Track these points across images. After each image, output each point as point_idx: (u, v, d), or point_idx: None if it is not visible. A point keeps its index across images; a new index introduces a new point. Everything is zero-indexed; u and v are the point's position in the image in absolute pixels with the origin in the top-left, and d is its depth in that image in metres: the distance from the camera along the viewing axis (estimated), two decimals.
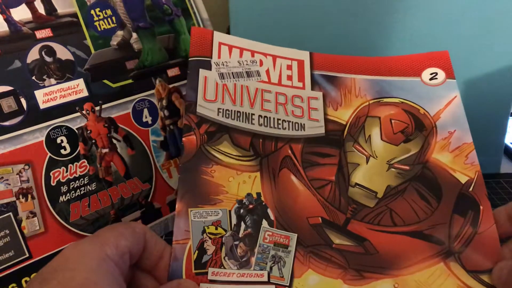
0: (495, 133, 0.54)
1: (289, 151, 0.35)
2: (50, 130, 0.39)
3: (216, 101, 0.36)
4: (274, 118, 0.36)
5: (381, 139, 0.35)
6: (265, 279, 0.29)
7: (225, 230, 0.31)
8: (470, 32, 0.48)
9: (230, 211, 0.31)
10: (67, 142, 0.40)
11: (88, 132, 0.41)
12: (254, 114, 0.35)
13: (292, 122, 0.36)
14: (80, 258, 0.22)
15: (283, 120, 0.36)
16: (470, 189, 0.33)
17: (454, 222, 0.32)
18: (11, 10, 0.38)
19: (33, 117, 0.38)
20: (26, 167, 0.37)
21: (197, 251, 0.29)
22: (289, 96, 0.37)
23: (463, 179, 0.33)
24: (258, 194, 0.32)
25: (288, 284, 0.29)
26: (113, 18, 0.44)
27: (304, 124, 0.36)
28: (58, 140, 0.39)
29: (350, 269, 0.30)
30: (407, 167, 0.34)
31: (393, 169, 0.34)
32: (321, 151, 0.35)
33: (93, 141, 0.41)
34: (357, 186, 0.33)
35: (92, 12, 0.42)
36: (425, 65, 0.39)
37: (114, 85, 0.43)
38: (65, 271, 0.21)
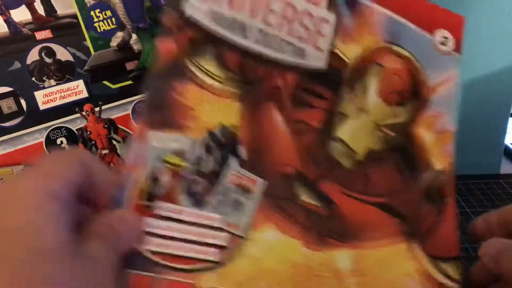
0: (495, 134, 0.54)
1: (281, 82, 0.30)
2: (50, 131, 0.39)
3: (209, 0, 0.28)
4: (275, 36, 0.30)
5: (377, 95, 0.32)
6: (218, 224, 0.26)
7: (188, 162, 0.26)
8: (470, 32, 0.48)
9: (197, 142, 0.26)
10: (67, 143, 0.40)
11: (88, 133, 0.41)
12: (252, 27, 0.29)
13: (295, 45, 0.30)
14: (21, 196, 0.18)
15: (285, 41, 0.30)
16: (442, 178, 0.32)
17: (423, 206, 0.31)
18: (11, 11, 0.38)
19: (33, 118, 0.38)
20: (26, 168, 0.37)
21: (149, 181, 0.25)
22: (299, 9, 0.31)
23: (438, 166, 0.32)
24: (234, 128, 0.28)
25: (242, 235, 0.26)
26: (113, 19, 0.44)
27: (306, 51, 0.30)
28: (58, 141, 0.39)
29: (311, 231, 0.28)
30: (393, 134, 0.32)
31: (379, 132, 0.32)
32: (316, 91, 0.30)
33: (93, 142, 0.41)
34: (340, 141, 0.31)
35: (92, 13, 0.43)
36: (439, 24, 0.34)
37: (114, 86, 0.43)
38: None
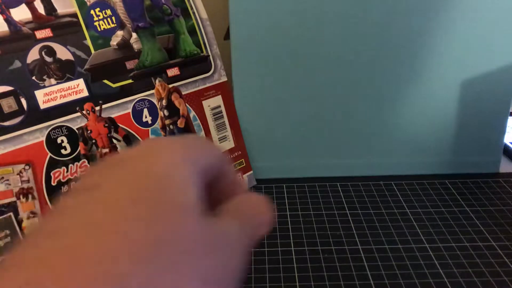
0: (494, 133, 0.54)
1: None
2: (51, 130, 0.39)
3: None
4: None
5: None
6: None
7: None
8: (469, 32, 0.48)
9: None
10: (68, 142, 0.40)
11: (89, 132, 0.41)
12: None
13: None
14: (160, 149, 0.17)
15: None
16: None
17: None
18: (11, 10, 0.38)
19: (33, 117, 0.38)
20: (27, 167, 0.37)
21: None
22: None
23: None
24: None
25: None
26: (113, 18, 0.44)
27: None
28: (59, 140, 0.39)
29: None
30: None
31: None
32: None
33: (94, 141, 0.41)
34: None
35: (92, 12, 0.42)
36: None
37: (114, 85, 0.43)
38: (134, 161, 0.16)
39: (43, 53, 0.39)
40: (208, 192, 0.20)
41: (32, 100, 0.38)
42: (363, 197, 0.51)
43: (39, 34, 0.39)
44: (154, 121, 0.46)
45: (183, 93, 0.48)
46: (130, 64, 0.44)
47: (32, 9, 0.39)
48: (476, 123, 0.52)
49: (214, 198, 0.21)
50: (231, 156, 0.52)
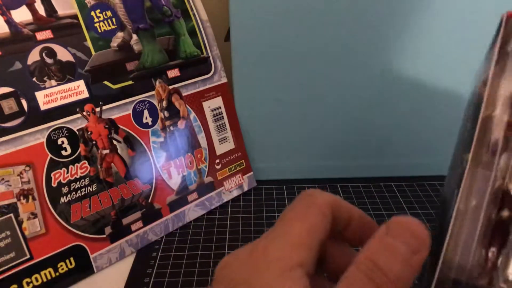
0: None
1: None
2: (51, 131, 0.39)
3: None
4: None
5: None
6: None
7: None
8: (470, 32, 0.48)
9: None
10: (68, 143, 0.40)
11: (89, 133, 0.41)
12: None
13: None
14: (265, 271, 0.19)
15: None
16: None
17: None
18: (11, 11, 0.38)
19: (34, 118, 0.38)
20: (27, 168, 0.37)
21: None
22: None
23: None
24: None
25: None
26: (113, 19, 0.44)
27: None
28: (59, 141, 0.39)
29: None
30: None
31: None
32: None
33: (94, 142, 0.41)
34: None
35: (93, 13, 0.43)
36: None
37: (114, 87, 0.43)
38: (246, 285, 0.19)
39: (43, 54, 0.39)
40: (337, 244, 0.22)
41: (33, 102, 0.38)
42: (363, 198, 0.51)
43: (40, 35, 0.39)
44: (154, 122, 0.46)
45: (183, 94, 0.48)
46: (130, 66, 0.45)
47: (33, 10, 0.39)
48: None
49: (349, 238, 0.23)
50: (231, 157, 0.52)
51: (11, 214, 0.36)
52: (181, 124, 0.48)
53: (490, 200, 0.21)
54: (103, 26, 0.43)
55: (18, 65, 0.38)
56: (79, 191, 0.40)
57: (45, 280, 0.38)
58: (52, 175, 0.39)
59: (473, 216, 0.20)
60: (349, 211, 0.23)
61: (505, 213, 0.20)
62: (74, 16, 0.42)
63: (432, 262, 0.20)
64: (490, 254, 0.20)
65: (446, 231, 0.20)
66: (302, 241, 0.20)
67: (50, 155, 0.39)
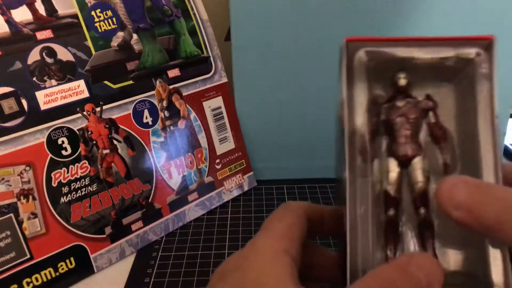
0: None
1: None
2: (51, 131, 0.39)
3: None
4: None
5: None
6: None
7: None
8: (470, 33, 0.48)
9: None
10: (68, 143, 0.40)
11: (89, 133, 0.41)
12: None
13: None
14: (255, 256, 0.22)
15: None
16: None
17: None
18: (12, 11, 0.38)
19: (34, 118, 0.38)
20: (27, 168, 0.37)
21: None
22: None
23: None
24: None
25: None
26: (114, 19, 0.44)
27: None
28: (59, 141, 0.39)
29: None
30: None
31: None
32: None
33: (94, 142, 0.41)
34: None
35: (93, 13, 0.43)
36: None
37: (114, 86, 0.43)
38: (240, 271, 0.22)
39: (43, 54, 0.39)
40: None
41: (33, 101, 0.38)
42: None
43: (40, 35, 0.39)
44: (154, 122, 0.46)
45: (183, 94, 0.48)
46: (130, 65, 0.44)
47: (33, 10, 0.39)
48: None
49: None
50: (232, 157, 0.52)
51: (11, 214, 0.36)
52: (181, 124, 0.48)
53: (374, 204, 0.23)
54: (103, 26, 0.43)
55: (18, 65, 0.38)
56: (79, 191, 0.40)
57: (45, 280, 0.38)
58: (52, 175, 0.39)
59: (363, 221, 0.22)
60: (321, 209, 0.26)
61: (391, 212, 0.23)
62: (75, 16, 0.41)
63: (343, 273, 0.22)
64: (388, 253, 0.22)
65: (346, 242, 0.22)
66: (283, 234, 0.23)
67: (50, 155, 0.39)
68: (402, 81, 0.24)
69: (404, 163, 0.24)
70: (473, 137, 0.23)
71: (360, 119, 0.23)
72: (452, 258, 0.23)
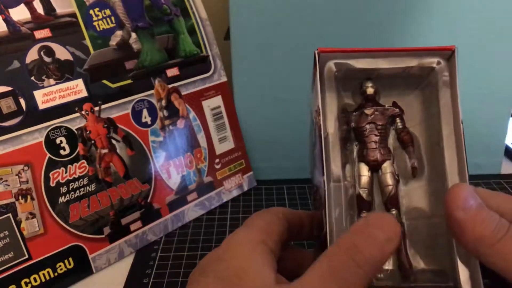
0: (495, 134, 0.53)
1: None
2: (50, 131, 0.38)
3: None
4: None
5: None
6: None
7: None
8: (470, 33, 0.48)
9: None
10: (67, 143, 0.39)
11: (88, 132, 0.41)
12: None
13: None
14: (235, 247, 0.23)
15: None
16: None
17: None
18: (10, 10, 0.38)
19: (32, 117, 0.38)
20: (26, 168, 0.37)
21: None
22: None
23: None
24: None
25: None
26: (112, 18, 0.44)
27: None
28: (58, 141, 0.39)
29: None
30: None
31: None
32: None
33: (93, 141, 0.41)
34: None
35: (91, 12, 0.42)
36: None
37: (113, 85, 0.43)
38: (221, 262, 0.22)
39: (42, 53, 0.39)
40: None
41: (31, 101, 0.38)
42: None
43: (38, 34, 0.39)
44: (153, 121, 0.46)
45: (182, 93, 0.48)
46: (129, 64, 0.44)
47: (31, 9, 0.39)
48: (477, 124, 0.52)
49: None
50: (231, 157, 0.52)
51: (10, 214, 0.36)
52: (180, 123, 0.48)
53: (348, 207, 0.24)
54: (102, 25, 0.43)
55: (16, 64, 0.37)
56: (77, 191, 0.40)
57: (43, 280, 0.37)
58: (50, 174, 0.38)
59: (339, 224, 0.23)
60: (299, 214, 0.28)
61: (364, 215, 0.25)
62: (73, 15, 0.41)
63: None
64: None
65: (326, 242, 0.23)
66: (262, 229, 0.25)
67: (48, 155, 0.38)
68: (370, 90, 0.26)
69: (375, 167, 0.25)
70: (438, 142, 0.25)
71: (332, 127, 0.24)
72: (422, 257, 0.25)
